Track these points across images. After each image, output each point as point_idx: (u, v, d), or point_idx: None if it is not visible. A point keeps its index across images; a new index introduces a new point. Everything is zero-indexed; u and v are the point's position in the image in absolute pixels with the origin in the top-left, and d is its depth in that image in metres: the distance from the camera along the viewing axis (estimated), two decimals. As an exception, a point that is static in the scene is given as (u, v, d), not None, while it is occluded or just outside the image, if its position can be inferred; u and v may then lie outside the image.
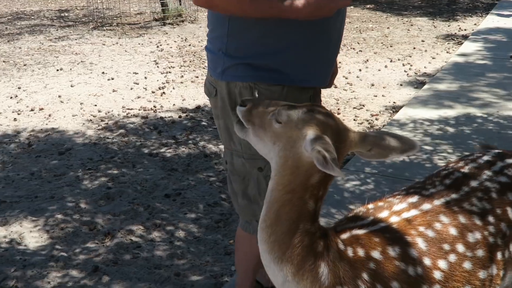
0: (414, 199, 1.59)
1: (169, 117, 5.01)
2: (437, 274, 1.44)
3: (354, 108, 5.17)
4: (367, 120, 4.84)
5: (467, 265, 1.48)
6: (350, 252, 1.44)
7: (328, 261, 1.42)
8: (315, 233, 1.44)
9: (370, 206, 1.63)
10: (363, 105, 5.22)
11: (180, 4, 9.74)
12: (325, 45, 1.94)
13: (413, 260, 1.44)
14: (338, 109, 5.12)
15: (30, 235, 3.16)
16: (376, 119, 4.87)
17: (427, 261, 1.45)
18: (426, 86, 5.63)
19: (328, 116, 1.44)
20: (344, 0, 1.76)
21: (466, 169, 1.70)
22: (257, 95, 1.88)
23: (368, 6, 11.04)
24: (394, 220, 1.51)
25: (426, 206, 1.55)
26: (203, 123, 4.84)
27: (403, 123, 4.56)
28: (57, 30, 8.94)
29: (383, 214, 1.55)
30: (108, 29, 8.91)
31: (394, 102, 5.32)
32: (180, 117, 5.00)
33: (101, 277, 2.77)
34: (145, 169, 3.97)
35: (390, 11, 10.51)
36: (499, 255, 1.54)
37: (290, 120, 1.42)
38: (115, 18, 9.73)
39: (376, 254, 1.43)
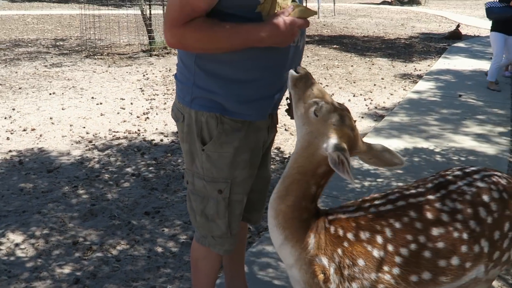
0: (393, 196, 1.70)
1: (151, 140, 4.96)
2: (397, 259, 1.56)
3: (320, 137, 5.19)
4: (331, 148, 4.87)
5: (426, 254, 1.56)
6: (332, 230, 1.61)
7: (316, 234, 1.60)
8: (311, 210, 1.61)
9: (359, 199, 1.75)
10: (328, 135, 5.24)
11: (166, 38, 9.74)
12: (279, 81, 1.84)
13: (379, 245, 1.57)
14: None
15: (16, 248, 3.06)
16: (339, 148, 4.90)
17: (390, 247, 1.56)
18: (384, 119, 5.70)
19: (352, 129, 1.57)
20: (302, 23, 1.69)
21: (450, 176, 1.75)
22: (223, 127, 1.81)
23: (334, 46, 11.22)
24: (371, 210, 1.65)
25: (401, 203, 1.66)
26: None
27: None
28: (52, 57, 8.85)
29: (365, 205, 1.68)
30: (99, 58, 8.85)
31: (355, 133, 5.36)
32: (161, 140, 4.95)
33: (82, 289, 2.69)
34: (127, 188, 3.90)
35: (354, 51, 10.69)
36: (463, 248, 1.58)
37: (325, 118, 1.54)
38: (106, 48, 9.68)
39: (350, 235, 1.59)
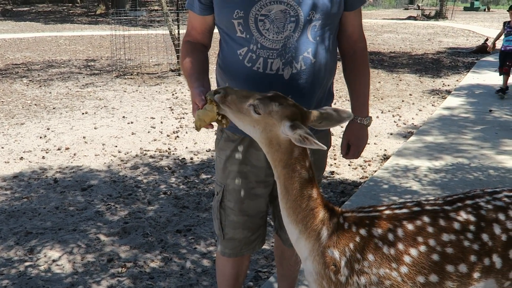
0: (410, 203, 1.74)
1: (182, 158, 5.03)
2: (406, 258, 1.61)
3: (349, 154, 5.18)
4: (361, 166, 4.85)
5: (435, 257, 1.60)
6: (346, 225, 1.68)
7: (328, 227, 1.67)
8: (316, 199, 1.68)
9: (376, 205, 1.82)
10: (357, 152, 5.22)
11: (194, 57, 9.88)
12: None
13: (390, 242, 1.63)
14: (335, 154, 5.14)
15: (53, 264, 3.13)
16: (369, 165, 4.88)
17: (400, 246, 1.62)
18: (413, 137, 5.66)
19: (294, 105, 1.66)
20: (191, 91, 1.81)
21: (471, 193, 1.77)
22: (222, 135, 2.06)
23: (361, 62, 11.18)
24: (386, 212, 1.71)
25: (416, 208, 1.71)
26: (212, 164, 4.85)
27: (393, 170, 4.57)
28: (84, 77, 9.08)
29: (380, 208, 1.74)
30: (129, 78, 9.04)
31: (385, 150, 5.34)
32: (191, 159, 5.02)
33: (117, 305, 2.74)
34: (159, 206, 3.96)
35: (381, 67, 10.66)
36: (472, 258, 1.60)
37: (267, 111, 1.64)
38: (135, 68, 9.89)
39: (363, 231, 1.66)
